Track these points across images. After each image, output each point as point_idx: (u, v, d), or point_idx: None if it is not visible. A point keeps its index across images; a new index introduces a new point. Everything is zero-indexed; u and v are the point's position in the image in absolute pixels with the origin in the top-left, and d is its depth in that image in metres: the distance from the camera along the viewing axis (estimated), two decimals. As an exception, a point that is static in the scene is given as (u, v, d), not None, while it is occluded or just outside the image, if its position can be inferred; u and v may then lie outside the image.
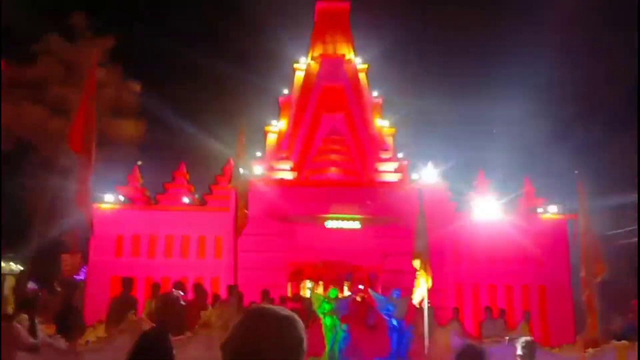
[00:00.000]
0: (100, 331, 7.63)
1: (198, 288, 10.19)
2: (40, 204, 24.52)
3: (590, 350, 8.18)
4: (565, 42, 28.35)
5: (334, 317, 9.76)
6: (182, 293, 3.93)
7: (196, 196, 19.94)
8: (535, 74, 25.53)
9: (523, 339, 5.25)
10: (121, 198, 19.02)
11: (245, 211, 8.24)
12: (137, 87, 22.60)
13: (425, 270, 8.79)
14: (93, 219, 7.08)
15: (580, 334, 9.85)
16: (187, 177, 19.78)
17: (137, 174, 19.58)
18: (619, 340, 8.15)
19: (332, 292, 10.86)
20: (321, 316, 9.94)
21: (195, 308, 8.87)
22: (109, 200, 18.54)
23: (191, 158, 21.21)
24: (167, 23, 36.67)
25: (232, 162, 14.50)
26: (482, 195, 19.13)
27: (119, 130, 22.01)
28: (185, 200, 19.34)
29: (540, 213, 18.77)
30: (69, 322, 7.04)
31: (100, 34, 21.34)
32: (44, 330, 4.43)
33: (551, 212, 18.66)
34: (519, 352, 4.88)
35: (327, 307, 9.85)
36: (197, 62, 34.29)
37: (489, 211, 18.65)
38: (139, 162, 19.74)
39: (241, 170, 8.10)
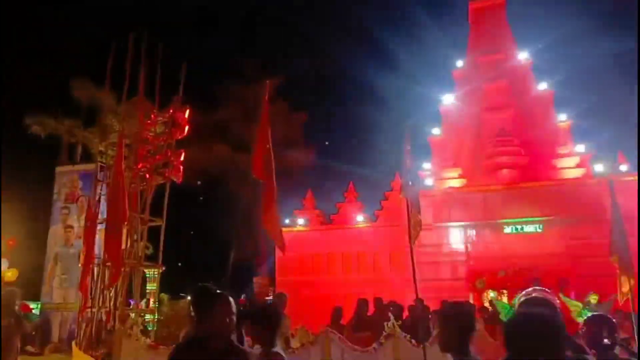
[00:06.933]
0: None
1: (378, 302, 10.54)
2: (232, 234, 27.00)
3: None
4: None
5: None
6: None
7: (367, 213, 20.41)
8: None
9: None
10: (300, 221, 20.24)
11: (419, 217, 8.13)
12: (302, 117, 24.08)
13: (626, 269, 7.81)
14: (285, 242, 7.61)
15: None
16: (357, 195, 20.37)
17: (312, 198, 20.74)
18: None
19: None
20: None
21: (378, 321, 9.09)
22: (289, 224, 19.84)
23: (359, 177, 21.81)
24: (321, 49, 38.23)
25: (399, 175, 14.51)
26: None
27: (290, 160, 23.52)
28: (359, 218, 19.87)
29: None
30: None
31: (268, 73, 23.26)
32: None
33: None
34: None
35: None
36: (354, 81, 35.32)
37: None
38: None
39: (410, 183, 8.01)
